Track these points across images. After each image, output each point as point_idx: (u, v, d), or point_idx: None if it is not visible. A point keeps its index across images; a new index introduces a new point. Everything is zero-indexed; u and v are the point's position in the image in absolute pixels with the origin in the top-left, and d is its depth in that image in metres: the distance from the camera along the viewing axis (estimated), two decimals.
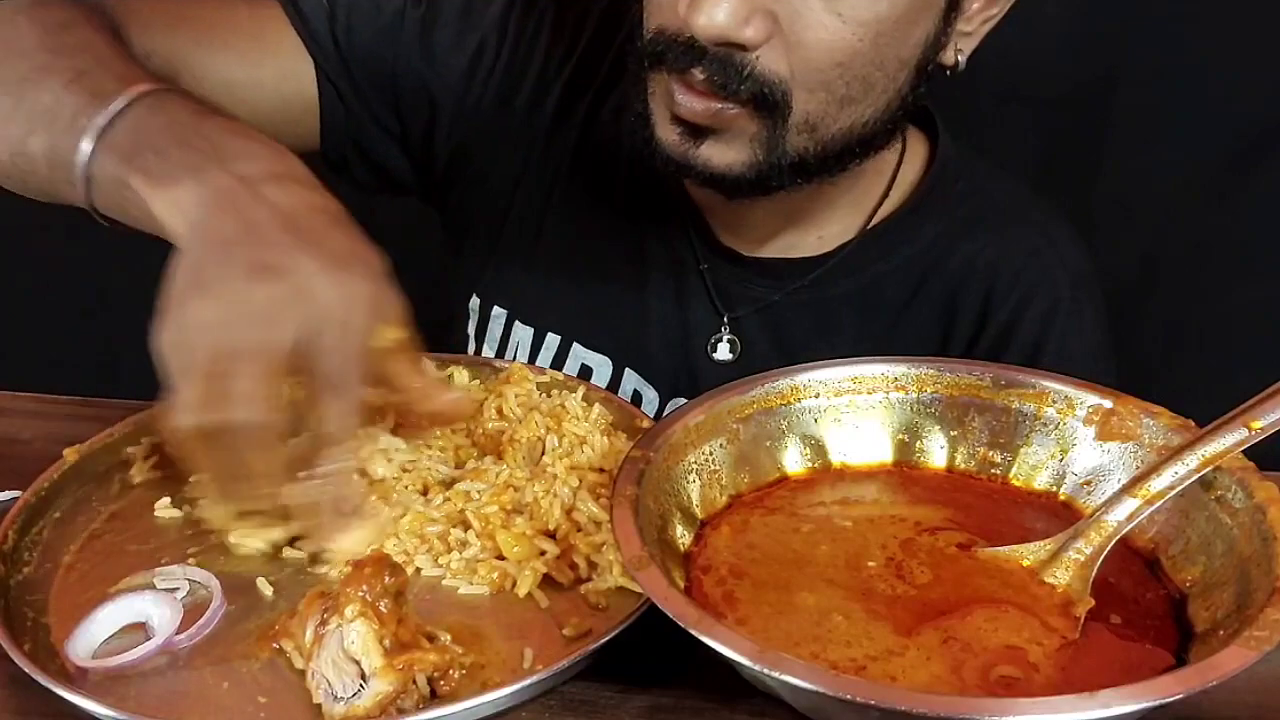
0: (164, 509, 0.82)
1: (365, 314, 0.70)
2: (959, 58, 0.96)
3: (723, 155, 0.90)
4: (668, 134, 0.91)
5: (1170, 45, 1.39)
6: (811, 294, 1.05)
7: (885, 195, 1.05)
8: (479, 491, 0.79)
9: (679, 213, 1.06)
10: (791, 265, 1.05)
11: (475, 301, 1.14)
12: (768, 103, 0.86)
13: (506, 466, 0.81)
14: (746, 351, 1.06)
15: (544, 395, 0.89)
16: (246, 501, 0.74)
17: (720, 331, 1.06)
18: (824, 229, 1.05)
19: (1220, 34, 1.38)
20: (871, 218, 1.05)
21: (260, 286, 0.69)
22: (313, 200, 0.74)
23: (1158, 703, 0.53)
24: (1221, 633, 0.61)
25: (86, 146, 0.79)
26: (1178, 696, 0.53)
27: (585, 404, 0.87)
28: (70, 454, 0.83)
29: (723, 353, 1.07)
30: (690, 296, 1.07)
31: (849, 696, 0.54)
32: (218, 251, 0.71)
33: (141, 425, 0.88)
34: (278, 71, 1.05)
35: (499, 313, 1.12)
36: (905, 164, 1.07)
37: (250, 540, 0.78)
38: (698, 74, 0.86)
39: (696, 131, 0.89)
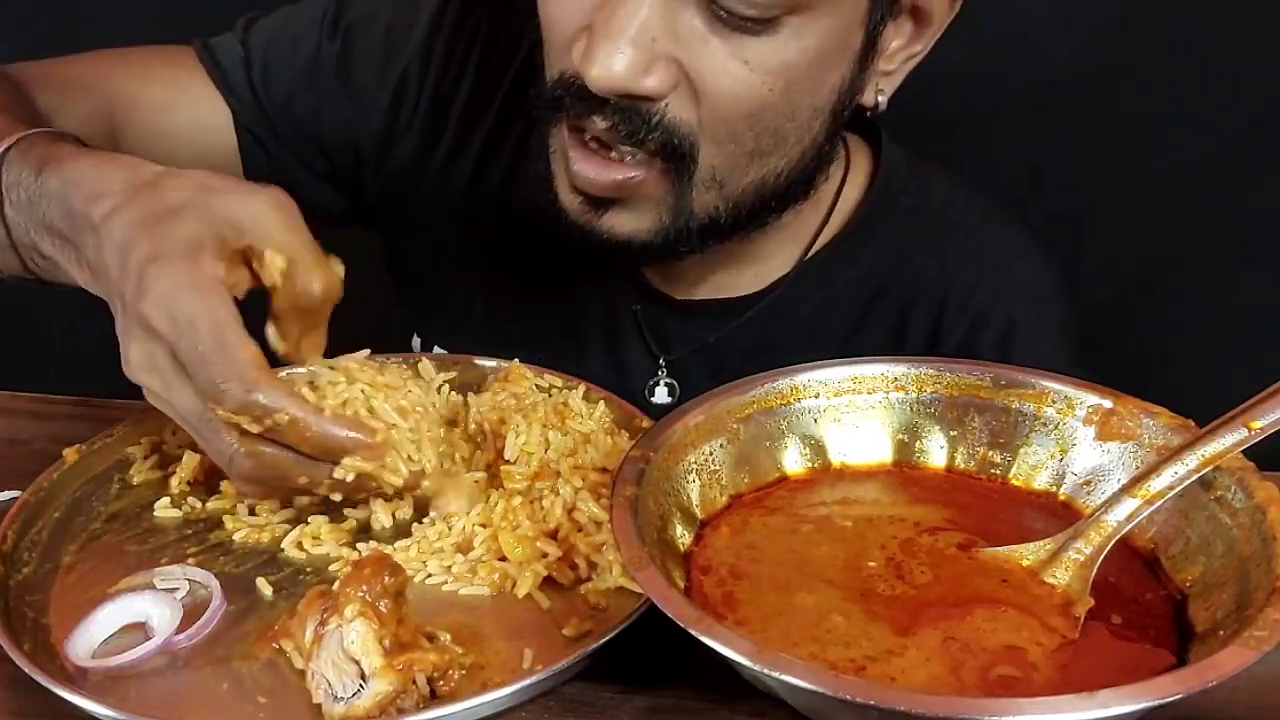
0: (164, 509, 0.82)
1: (285, 207, 0.73)
2: (879, 98, 0.91)
3: (625, 224, 0.87)
4: (569, 200, 0.87)
5: (1169, 48, 1.39)
6: (752, 331, 1.01)
7: (826, 220, 1.01)
8: (493, 497, 0.80)
9: (610, 255, 1.01)
10: (728, 305, 1.02)
11: (416, 341, 1.12)
12: (676, 153, 0.83)
13: (514, 467, 0.81)
14: (686, 394, 1.01)
15: (544, 395, 0.89)
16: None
17: (658, 374, 1.03)
18: (760, 265, 1.01)
19: (1219, 34, 1.38)
20: (812, 245, 1.01)
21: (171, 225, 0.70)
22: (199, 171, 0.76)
23: (1157, 703, 0.53)
24: (1221, 633, 0.61)
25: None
26: (1177, 696, 0.53)
27: (588, 403, 0.87)
28: (70, 454, 0.83)
29: (661, 395, 1.03)
30: (625, 340, 1.04)
31: (849, 697, 0.54)
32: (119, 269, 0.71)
33: (141, 425, 0.88)
34: (192, 122, 1.04)
35: (440, 353, 1.08)
36: (848, 183, 1.02)
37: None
38: (599, 122, 0.81)
39: (598, 201, 0.86)
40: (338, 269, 0.76)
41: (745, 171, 0.86)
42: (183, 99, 1.04)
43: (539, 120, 0.88)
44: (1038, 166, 1.45)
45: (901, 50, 0.90)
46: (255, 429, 0.69)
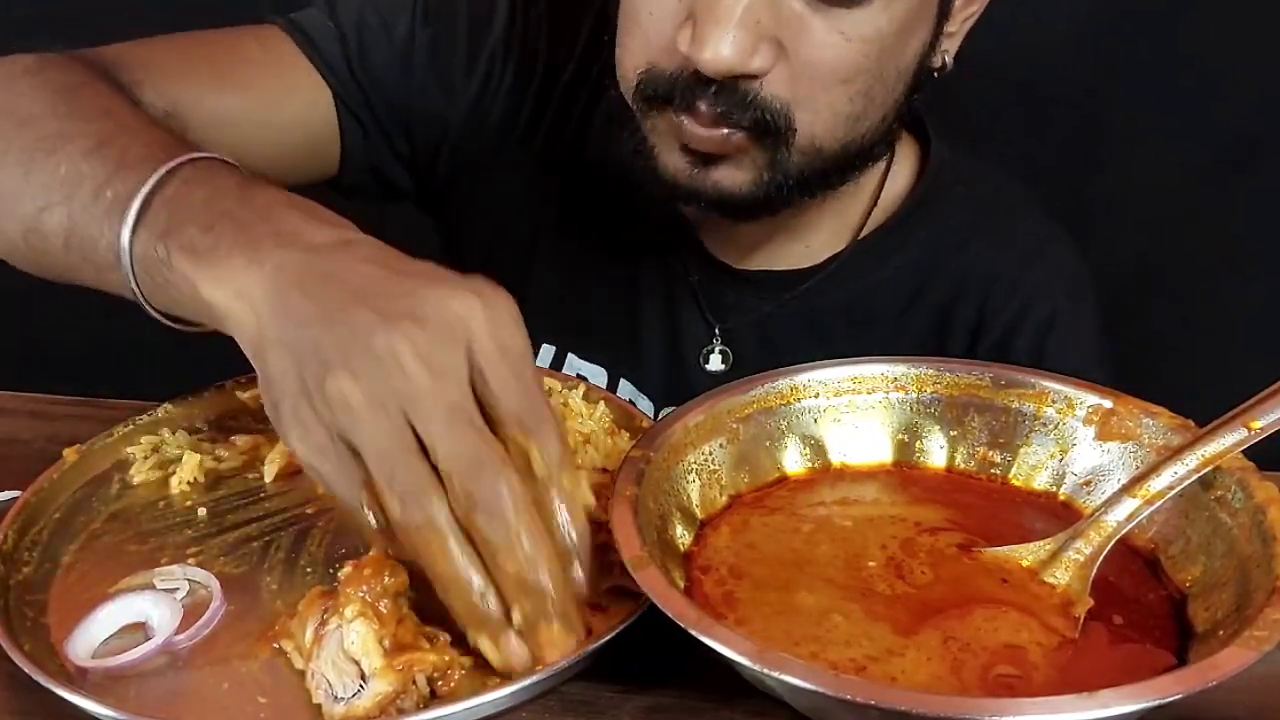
0: (164, 509, 0.82)
1: (519, 329, 0.63)
2: (945, 59, 0.95)
3: (733, 178, 0.89)
4: (675, 162, 0.90)
5: (1170, 44, 1.39)
6: (803, 305, 1.04)
7: (874, 203, 1.04)
8: None
9: (669, 225, 1.05)
10: (781, 277, 1.05)
11: None
12: (769, 129, 0.86)
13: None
14: (739, 363, 1.05)
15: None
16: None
17: (712, 343, 1.06)
18: (810, 239, 1.04)
19: (1221, 33, 1.38)
20: (862, 227, 1.04)
21: (402, 333, 0.60)
22: (394, 254, 0.66)
23: (1157, 703, 0.53)
24: (1221, 633, 0.61)
25: (122, 227, 0.70)
26: (1177, 696, 0.53)
27: (588, 403, 0.87)
28: (70, 454, 0.83)
29: (715, 364, 1.06)
30: (681, 308, 1.07)
31: (849, 697, 0.54)
32: (321, 320, 0.61)
33: (142, 425, 0.88)
34: (300, 106, 1.03)
35: None
36: (894, 171, 1.05)
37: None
38: (703, 106, 0.85)
39: (707, 159, 0.88)
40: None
41: (841, 135, 0.90)
42: (289, 84, 1.02)
43: (634, 110, 0.90)
44: (1037, 166, 1.45)
45: (961, 10, 0.94)
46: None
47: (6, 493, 0.83)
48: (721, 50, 0.81)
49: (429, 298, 0.62)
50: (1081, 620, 0.65)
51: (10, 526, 0.76)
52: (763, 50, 0.83)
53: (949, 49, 0.96)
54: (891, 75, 0.89)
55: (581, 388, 0.89)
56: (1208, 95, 1.40)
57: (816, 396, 0.78)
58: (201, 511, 0.82)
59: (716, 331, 1.06)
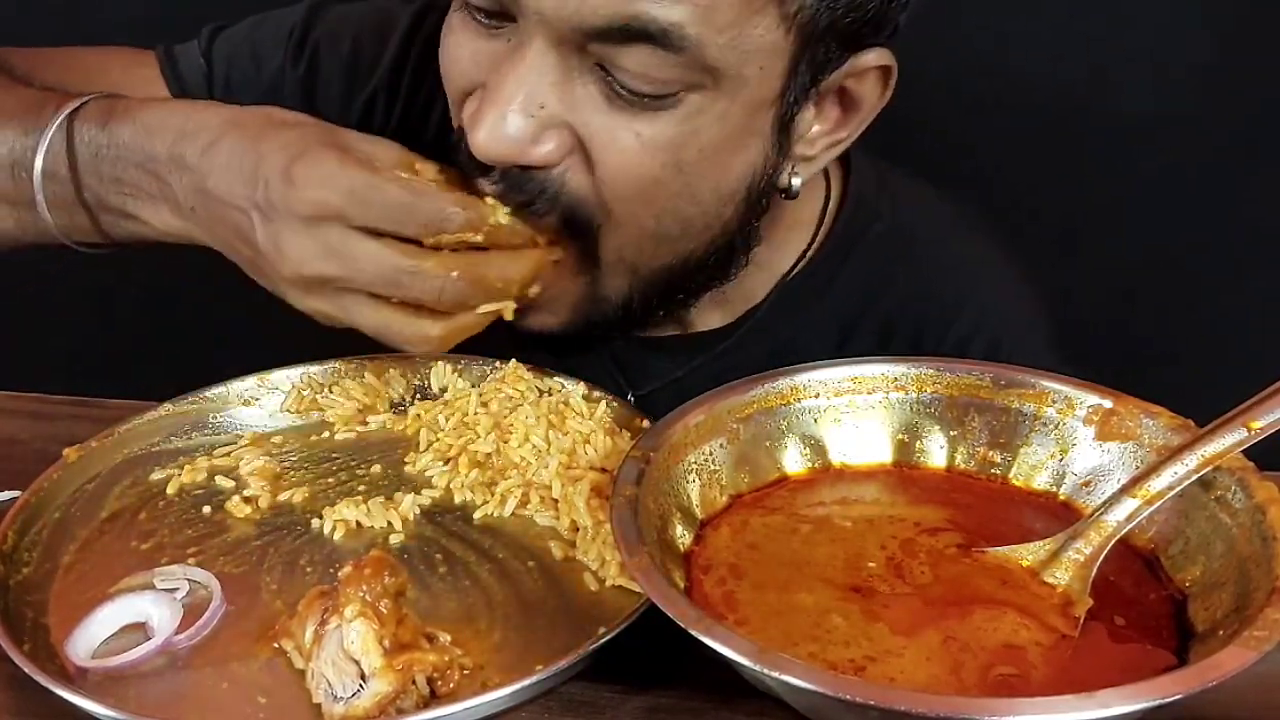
0: (165, 509, 0.82)
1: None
2: (793, 182, 0.86)
3: (544, 321, 0.86)
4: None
5: (1165, 45, 1.39)
6: (720, 365, 0.97)
7: (805, 253, 0.97)
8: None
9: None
10: (697, 339, 0.99)
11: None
12: (579, 223, 0.80)
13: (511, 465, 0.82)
14: None
15: (544, 394, 0.89)
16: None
17: None
18: (727, 303, 0.98)
19: (1218, 34, 1.38)
20: (787, 276, 0.98)
21: (329, 149, 0.74)
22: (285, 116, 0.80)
23: (1157, 703, 0.53)
24: (1221, 633, 0.61)
25: (35, 162, 0.83)
26: (1177, 696, 0.54)
27: (588, 403, 0.87)
28: (70, 454, 0.83)
29: None
30: (594, 376, 0.99)
31: (848, 697, 0.54)
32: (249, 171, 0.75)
33: (141, 425, 0.88)
34: None
35: None
36: (829, 210, 0.98)
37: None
38: (486, 186, 0.79)
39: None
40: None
41: (654, 255, 0.84)
42: None
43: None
44: (1038, 166, 1.45)
45: (825, 136, 0.86)
46: (477, 238, 0.75)
47: (6, 493, 0.83)
48: (497, 134, 0.74)
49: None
50: (1081, 620, 0.65)
51: (10, 526, 0.77)
52: (549, 138, 0.76)
53: (801, 172, 0.86)
54: (708, 198, 0.81)
55: (581, 386, 0.89)
56: (1205, 98, 1.40)
57: (816, 396, 0.78)
58: (201, 511, 0.82)
59: (630, 398, 0.99)
